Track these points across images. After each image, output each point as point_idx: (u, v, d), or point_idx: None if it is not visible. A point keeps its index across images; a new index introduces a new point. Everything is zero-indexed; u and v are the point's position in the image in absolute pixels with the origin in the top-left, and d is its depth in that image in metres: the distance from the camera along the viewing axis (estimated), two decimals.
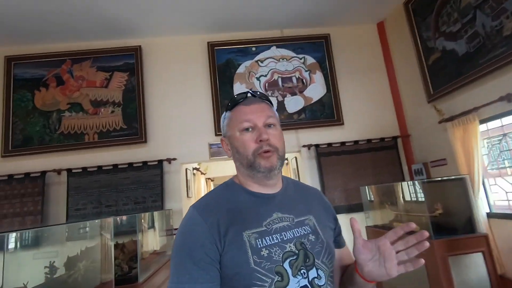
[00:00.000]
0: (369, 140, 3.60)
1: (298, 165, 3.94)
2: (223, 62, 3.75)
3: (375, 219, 2.96)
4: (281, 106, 3.68)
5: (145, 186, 3.32)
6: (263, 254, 0.67)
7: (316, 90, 3.76)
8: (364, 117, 3.76)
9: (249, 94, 0.80)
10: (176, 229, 3.33)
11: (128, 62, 3.65)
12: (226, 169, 6.25)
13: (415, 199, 2.39)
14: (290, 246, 0.70)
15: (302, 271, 0.68)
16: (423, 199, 2.19)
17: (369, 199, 3.13)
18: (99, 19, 3.30)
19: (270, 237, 0.70)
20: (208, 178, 6.58)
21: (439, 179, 2.23)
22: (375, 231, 2.78)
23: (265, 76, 3.77)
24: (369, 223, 3.01)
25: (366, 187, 3.30)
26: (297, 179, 0.97)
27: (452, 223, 2.06)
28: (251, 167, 0.74)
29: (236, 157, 0.78)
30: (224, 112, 0.83)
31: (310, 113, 3.70)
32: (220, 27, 3.75)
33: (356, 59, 3.91)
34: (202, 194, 5.39)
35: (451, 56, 2.84)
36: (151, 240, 2.98)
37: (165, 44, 3.78)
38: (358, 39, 3.98)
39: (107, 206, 3.24)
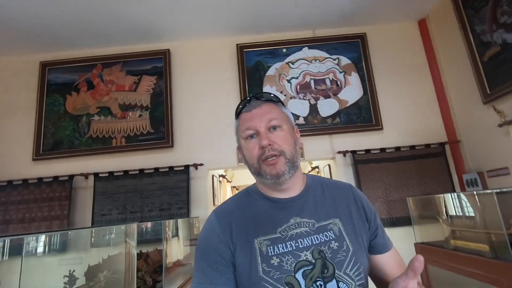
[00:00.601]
0: (412, 147, 3.25)
1: (332, 173, 3.64)
2: (253, 64, 3.60)
3: (426, 234, 2.60)
4: (314, 110, 3.45)
5: (170, 192, 3.19)
6: (273, 263, 0.64)
7: (352, 92, 3.50)
8: (406, 121, 3.42)
9: (252, 98, 0.77)
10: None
11: (156, 66, 3.60)
12: (251, 177, 6.09)
13: (477, 212, 2.04)
14: (306, 255, 0.65)
15: (318, 283, 0.62)
16: (490, 213, 1.84)
17: (417, 212, 2.77)
18: (129, 24, 3.28)
19: (283, 244, 0.66)
20: (234, 187, 6.42)
21: None
22: (426, 249, 2.42)
23: (297, 78, 3.57)
24: (417, 239, 2.64)
25: (412, 198, 2.94)
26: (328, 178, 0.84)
27: None
28: (259, 174, 0.72)
29: (246, 165, 0.77)
30: (235, 121, 0.81)
31: (346, 117, 3.43)
32: (249, 29, 3.62)
33: (395, 60, 3.61)
34: None
35: None
36: (175, 250, 2.81)
37: (194, 47, 3.70)
38: (397, 38, 3.68)
39: (132, 212, 3.13)
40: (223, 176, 4.44)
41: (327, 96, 3.50)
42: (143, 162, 3.33)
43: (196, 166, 3.26)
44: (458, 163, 3.23)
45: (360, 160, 3.24)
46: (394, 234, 3.03)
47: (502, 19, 2.58)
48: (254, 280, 0.63)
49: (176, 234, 2.90)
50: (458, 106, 3.29)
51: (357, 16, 3.55)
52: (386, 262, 0.75)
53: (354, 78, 3.54)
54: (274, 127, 0.73)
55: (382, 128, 3.37)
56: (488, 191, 1.96)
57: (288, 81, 3.56)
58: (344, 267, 0.65)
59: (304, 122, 3.41)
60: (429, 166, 3.20)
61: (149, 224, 2.90)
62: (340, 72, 3.57)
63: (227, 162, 3.35)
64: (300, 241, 0.67)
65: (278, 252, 0.66)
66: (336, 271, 0.64)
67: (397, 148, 3.25)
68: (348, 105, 3.46)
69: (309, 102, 3.48)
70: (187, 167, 3.25)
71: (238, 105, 0.79)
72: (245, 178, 6.08)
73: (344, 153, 3.28)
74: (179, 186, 3.20)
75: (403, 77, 3.55)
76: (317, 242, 0.67)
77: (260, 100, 0.77)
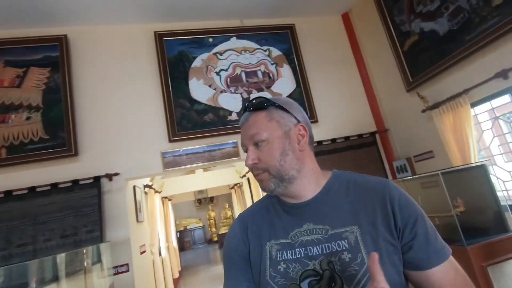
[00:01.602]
0: (347, 138, 3.23)
1: None
2: (175, 54, 3.14)
3: None
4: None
5: (76, 212, 2.51)
6: (280, 268, 0.63)
7: (285, 85, 3.33)
8: (339, 113, 3.39)
9: (245, 108, 0.74)
10: (122, 265, 2.56)
11: (49, 55, 2.86)
12: (186, 185, 5.52)
13: (418, 197, 1.99)
14: (314, 264, 0.61)
15: None
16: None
17: None
18: (9, 0, 2.51)
19: (292, 250, 0.64)
20: (165, 197, 5.75)
21: (455, 168, 1.87)
22: None
23: (226, 70, 3.24)
24: None
25: None
26: (359, 174, 0.77)
27: (477, 222, 1.69)
28: None
29: None
30: None
31: None
32: (169, 15, 3.16)
33: (324, 52, 3.59)
34: (157, 216, 4.59)
35: (431, 37, 2.60)
36: None
37: (101, 34, 3.07)
38: (323, 30, 3.67)
39: (19, 246, 2.36)
40: (149, 186, 3.83)
41: (260, 89, 3.26)
42: (35, 177, 2.56)
43: (109, 176, 2.65)
44: (388, 151, 3.32)
45: None
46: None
47: (418, 9, 2.69)
48: (262, 282, 0.64)
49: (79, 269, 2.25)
50: (384, 95, 3.39)
51: (284, 7, 3.41)
52: (432, 281, 0.60)
53: (286, 70, 3.38)
54: (258, 144, 0.69)
55: (317, 121, 3.27)
56: (432, 172, 1.91)
57: (217, 73, 3.21)
58: (355, 283, 0.57)
59: (237, 118, 3.10)
60: (363, 156, 3.22)
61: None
62: (272, 64, 3.37)
63: (151, 168, 2.82)
64: (310, 248, 0.63)
65: (286, 258, 0.64)
66: (345, 286, 0.58)
67: (333, 140, 3.19)
68: None
69: (242, 96, 3.19)
70: (97, 179, 2.61)
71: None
72: (178, 187, 5.50)
73: None
74: (88, 203, 2.55)
75: (332, 69, 3.54)
76: (327, 251, 0.62)
77: (248, 112, 0.73)
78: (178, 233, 11.25)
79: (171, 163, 2.85)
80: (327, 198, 0.69)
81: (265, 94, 3.24)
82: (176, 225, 11.58)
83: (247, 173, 4.70)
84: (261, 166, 0.68)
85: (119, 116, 2.88)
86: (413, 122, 2.98)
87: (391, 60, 3.10)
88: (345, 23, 3.74)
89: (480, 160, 2.28)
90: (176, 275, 5.52)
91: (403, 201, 0.65)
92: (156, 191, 4.34)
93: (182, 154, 2.90)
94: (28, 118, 2.69)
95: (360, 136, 3.27)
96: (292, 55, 3.43)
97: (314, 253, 0.62)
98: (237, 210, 7.03)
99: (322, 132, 3.26)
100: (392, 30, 3.01)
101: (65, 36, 2.91)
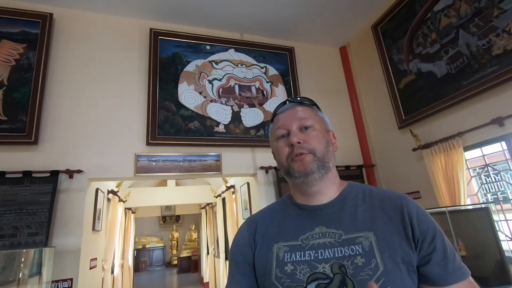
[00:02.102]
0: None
1: (251, 192, 3.19)
2: (169, 55, 2.97)
3: None
4: (236, 118, 3.00)
5: (21, 209, 2.12)
6: (286, 269, 0.62)
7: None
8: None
9: (287, 102, 0.77)
10: (65, 279, 2.15)
11: (27, 31, 2.58)
12: (155, 197, 5.08)
13: None
14: (323, 267, 0.60)
15: None
16: None
17: None
18: None
19: (302, 252, 0.63)
20: (129, 209, 5.26)
21: (458, 208, 1.77)
22: None
23: (220, 80, 3.09)
24: None
25: None
26: (371, 187, 0.77)
27: (478, 269, 1.55)
28: (288, 174, 0.69)
29: (279, 167, 0.73)
30: (270, 124, 0.79)
31: None
32: (169, 16, 3.03)
33: (319, 79, 3.57)
34: (117, 228, 4.10)
35: (428, 78, 2.63)
36: None
37: (92, 21, 2.85)
38: (321, 59, 3.69)
39: None
40: (115, 193, 3.44)
41: (251, 105, 3.12)
42: None
43: (70, 173, 2.31)
44: (373, 185, 3.23)
45: (283, 178, 2.88)
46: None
47: (418, 50, 2.75)
48: (267, 283, 0.63)
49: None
50: (373, 130, 3.37)
51: (286, 30, 3.41)
52: None
53: (280, 91, 3.30)
54: (306, 127, 0.69)
55: None
56: (437, 209, 1.79)
57: (210, 81, 3.05)
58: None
59: (224, 130, 2.91)
60: None
61: None
62: (267, 82, 3.28)
63: (121, 171, 2.51)
64: (321, 251, 0.62)
65: (294, 259, 0.63)
66: None
67: None
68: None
69: (232, 109, 3.03)
70: (55, 173, 2.26)
71: (274, 110, 0.78)
72: (146, 198, 5.06)
73: (267, 169, 2.89)
74: (38, 201, 2.17)
75: (326, 97, 3.51)
76: (340, 255, 0.61)
77: (294, 103, 0.76)
78: (135, 251, 10.36)
79: (144, 168, 2.56)
80: (343, 204, 0.68)
81: (257, 111, 3.11)
82: (135, 242, 10.71)
83: (223, 192, 4.41)
84: (307, 146, 0.67)
85: (93, 108, 2.59)
86: (401, 159, 2.94)
87: (385, 96, 3.12)
88: (342, 56, 3.80)
89: (480, 203, 2.22)
90: None
91: (421, 214, 0.65)
92: (120, 200, 3.93)
93: (158, 160, 2.62)
94: None
95: (347, 167, 3.17)
96: (288, 76, 3.38)
97: (325, 256, 0.61)
98: (204, 233, 6.58)
99: None
100: (389, 67, 3.05)
101: (51, 14, 2.67)
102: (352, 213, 0.66)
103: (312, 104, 0.77)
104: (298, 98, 0.76)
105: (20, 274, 2.03)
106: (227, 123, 2.95)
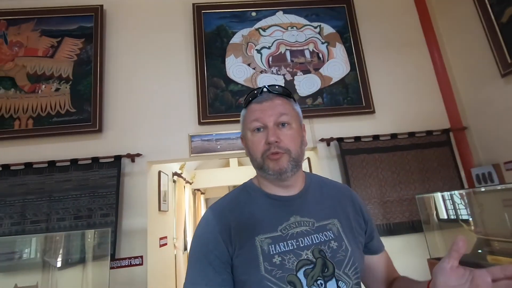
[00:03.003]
0: (411, 134, 2.60)
1: (312, 168, 2.91)
2: (213, 29, 2.81)
3: (442, 247, 1.91)
4: (290, 87, 2.71)
5: (93, 193, 2.28)
6: (275, 261, 0.64)
7: (337, 67, 2.81)
8: (402, 104, 2.78)
9: (264, 90, 0.75)
10: (136, 257, 2.27)
11: (84, 26, 2.71)
12: (219, 178, 5.21)
13: None
14: (306, 254, 0.65)
15: (319, 282, 0.63)
16: None
17: (435, 215, 2.09)
18: None
19: (284, 243, 0.66)
20: (197, 190, 5.52)
21: None
22: None
23: (269, 48, 2.82)
24: (433, 253, 1.95)
25: (425, 196, 2.26)
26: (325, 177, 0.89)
27: None
28: (261, 169, 0.71)
29: (249, 157, 0.75)
30: (242, 109, 0.78)
31: (330, 97, 2.72)
32: None
33: (387, 32, 2.99)
34: (185, 208, 4.33)
35: None
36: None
37: (136, 4, 2.86)
38: (388, 6, 3.07)
39: (33, 222, 2.19)
40: (179, 175, 3.57)
41: (306, 71, 2.78)
42: (56, 151, 2.40)
43: (131, 157, 2.39)
44: (465, 154, 2.62)
45: (349, 150, 2.53)
46: (392, 245, 2.33)
47: None
48: (256, 278, 0.62)
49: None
50: (463, 84, 2.69)
51: None
52: (380, 262, 0.79)
53: (339, 51, 2.86)
54: (283, 124, 0.70)
55: (374, 111, 2.70)
56: None
57: (258, 51, 2.80)
58: (343, 267, 0.66)
59: None
60: (432, 158, 2.56)
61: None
62: (323, 43, 2.87)
63: (176, 152, 2.51)
64: (301, 240, 0.67)
65: (280, 250, 0.65)
66: (336, 270, 0.65)
67: (393, 136, 2.59)
68: (332, 82, 2.76)
69: (284, 78, 2.74)
70: (118, 158, 2.37)
71: (248, 95, 0.76)
72: (211, 180, 5.23)
73: (328, 141, 2.56)
74: (106, 184, 2.31)
75: (396, 53, 2.93)
76: (317, 241, 0.67)
77: (272, 93, 0.74)
78: None
79: (199, 148, 2.52)
80: (308, 195, 0.74)
81: (313, 77, 2.76)
82: None
83: None
84: (283, 146, 0.69)
85: (146, 93, 2.62)
86: (507, 117, 2.27)
87: (479, 37, 2.42)
88: None
89: None
90: None
91: (362, 202, 0.81)
92: (187, 182, 4.08)
93: (212, 139, 2.54)
94: (57, 90, 2.55)
95: (429, 133, 2.62)
96: (347, 33, 2.90)
97: (305, 244, 0.66)
98: None
99: (379, 125, 2.68)
100: None
101: (101, 6, 2.75)
102: (318, 202, 0.73)
103: (290, 96, 0.76)
104: (276, 87, 0.75)
105: (85, 253, 2.10)
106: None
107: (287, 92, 0.76)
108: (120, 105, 2.57)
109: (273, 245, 0.65)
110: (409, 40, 2.97)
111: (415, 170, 2.51)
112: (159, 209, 2.80)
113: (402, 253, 2.32)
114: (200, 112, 2.57)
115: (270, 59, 2.79)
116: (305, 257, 0.64)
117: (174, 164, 3.65)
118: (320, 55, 2.84)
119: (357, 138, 2.56)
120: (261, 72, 2.74)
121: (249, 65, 2.75)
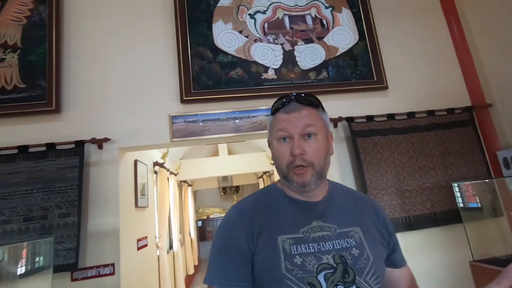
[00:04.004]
0: (430, 112, 2.25)
1: None
2: None
3: (484, 247, 1.58)
4: (289, 59, 2.30)
5: (49, 188, 1.82)
6: (296, 262, 0.64)
7: (344, 36, 2.40)
8: (418, 78, 2.42)
9: (292, 98, 0.74)
10: (106, 265, 1.84)
11: None
12: (207, 168, 4.78)
13: None
14: (327, 258, 0.66)
15: (339, 287, 0.63)
16: None
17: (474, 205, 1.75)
18: None
19: (306, 245, 0.67)
20: (184, 182, 5.08)
21: None
22: (492, 271, 1.38)
23: (264, 12, 2.38)
24: (476, 254, 1.61)
25: (465, 183, 1.92)
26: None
27: None
28: (285, 178, 0.72)
29: (274, 164, 0.76)
30: (269, 116, 0.78)
31: (336, 71, 2.32)
32: None
33: None
34: (169, 203, 3.88)
35: None
36: None
37: None
38: None
39: None
40: (160, 165, 3.12)
41: (308, 40, 2.37)
42: (1, 136, 1.92)
43: (98, 142, 1.94)
44: (489, 135, 2.29)
45: (360, 132, 2.15)
46: (413, 240, 2.00)
47: None
48: (277, 276, 0.63)
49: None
50: (488, 54, 2.34)
51: None
52: (401, 277, 0.78)
53: (345, 16, 2.45)
54: (309, 135, 0.71)
55: (387, 87, 2.32)
56: None
57: (251, 16, 2.36)
58: (364, 275, 0.65)
59: (275, 76, 2.25)
60: (454, 140, 2.22)
61: None
62: (326, 7, 2.45)
63: (155, 137, 2.07)
64: (322, 244, 0.67)
65: (301, 252, 0.65)
66: (357, 277, 0.64)
67: (410, 115, 2.23)
68: (338, 53, 2.36)
69: (283, 48, 2.32)
70: (80, 144, 1.90)
71: (276, 102, 0.76)
72: (198, 171, 4.79)
73: (336, 121, 2.17)
74: (65, 177, 1.85)
75: (410, 20, 2.55)
76: (338, 247, 0.67)
77: (300, 104, 0.73)
78: (200, 222, 10.77)
79: (182, 131, 2.08)
80: (331, 201, 0.75)
81: (316, 47, 2.35)
82: (198, 213, 11.13)
83: None
84: (307, 159, 0.69)
85: (117, 65, 2.15)
86: None
87: None
88: None
89: None
90: (192, 271, 4.87)
91: (386, 215, 0.81)
92: (171, 173, 3.64)
93: (197, 120, 2.11)
94: (1, 60, 2.04)
95: (450, 111, 2.27)
96: None
97: (327, 248, 0.66)
98: None
99: (393, 102, 2.31)
100: None
101: None
102: (341, 210, 0.74)
103: (318, 105, 0.75)
104: (304, 97, 0.74)
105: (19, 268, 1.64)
106: (277, 66, 2.27)
107: (315, 102, 0.75)
108: (84, 79, 2.09)
109: (294, 246, 0.66)
110: (424, 5, 2.60)
111: (436, 154, 2.17)
112: (136, 205, 2.37)
113: (425, 250, 1.99)
114: (182, 88, 2.12)
115: (266, 25, 2.35)
116: (326, 261, 0.65)
117: (155, 152, 3.19)
118: (324, 22, 2.42)
119: (370, 118, 2.18)
120: (255, 40, 2.31)
121: (240, 32, 2.31)
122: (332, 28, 2.41)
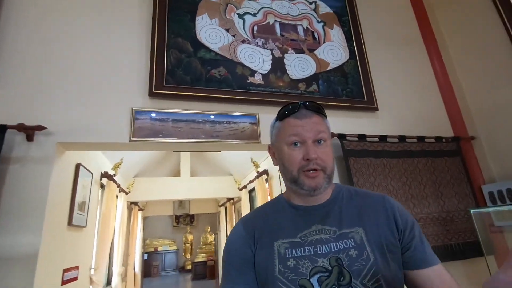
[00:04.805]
0: (420, 139, 2.14)
1: None
2: None
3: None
4: (279, 66, 2.08)
5: None
6: (289, 264, 0.66)
7: (335, 52, 2.28)
8: (407, 103, 2.35)
9: (301, 105, 0.75)
10: None
11: None
12: (162, 189, 4.20)
13: None
14: (323, 262, 0.66)
15: None
16: None
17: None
18: None
19: (301, 248, 0.68)
20: (135, 204, 4.41)
21: None
22: None
23: (254, 15, 2.18)
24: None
25: (481, 211, 1.72)
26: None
27: None
28: (295, 183, 0.72)
29: (281, 169, 0.76)
30: (273, 120, 0.80)
31: (326, 86, 2.15)
32: None
33: (388, 23, 2.62)
34: (114, 225, 3.20)
35: None
36: None
37: None
38: None
39: None
40: (110, 177, 2.56)
41: (299, 50, 2.19)
42: None
43: (27, 130, 1.44)
44: (473, 168, 2.23)
45: (353, 151, 1.93)
46: None
47: None
48: (270, 279, 0.66)
49: None
50: (471, 86, 2.36)
51: None
52: (426, 280, 0.68)
53: (337, 34, 2.35)
54: (320, 141, 0.71)
55: (377, 109, 2.19)
56: None
57: (240, 16, 2.14)
58: (362, 277, 0.63)
59: (262, 82, 1.99)
60: (443, 169, 2.11)
61: None
62: (318, 22, 2.34)
63: (109, 133, 1.62)
64: (319, 247, 0.67)
65: (296, 255, 0.67)
66: (353, 279, 0.63)
67: (402, 138, 2.09)
68: (329, 68, 2.21)
69: (272, 54, 2.11)
70: (1, 128, 1.39)
71: (284, 108, 0.76)
72: (154, 191, 4.19)
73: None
74: None
75: (397, 47, 2.55)
76: (335, 249, 0.67)
77: (309, 111, 0.74)
78: (146, 255, 9.59)
79: (146, 130, 1.67)
80: (334, 204, 0.74)
81: (307, 58, 2.18)
82: (145, 244, 9.95)
83: (251, 182, 3.48)
84: (320, 163, 0.70)
85: (69, 41, 1.73)
86: None
87: (495, 32, 2.13)
88: None
89: None
90: None
91: (400, 208, 0.75)
92: (122, 190, 3.06)
93: (167, 119, 1.73)
94: None
95: (438, 139, 2.19)
96: (346, 16, 2.43)
97: (323, 251, 0.66)
98: (223, 235, 5.67)
99: (384, 125, 2.18)
100: None
101: None
102: (343, 212, 0.73)
103: (324, 114, 0.76)
104: (307, 103, 0.75)
105: None
106: (266, 72, 2.03)
107: (322, 111, 0.76)
108: (23, 52, 1.63)
109: (289, 250, 0.67)
110: (407, 36, 2.63)
111: (428, 183, 2.01)
112: (70, 223, 1.81)
113: None
114: (153, 79, 1.75)
115: (255, 28, 2.14)
116: (321, 264, 0.65)
117: (105, 161, 2.65)
118: (316, 35, 2.29)
119: (362, 137, 1.99)
120: (243, 41, 2.07)
121: (227, 30, 2.06)
122: (324, 42, 2.29)
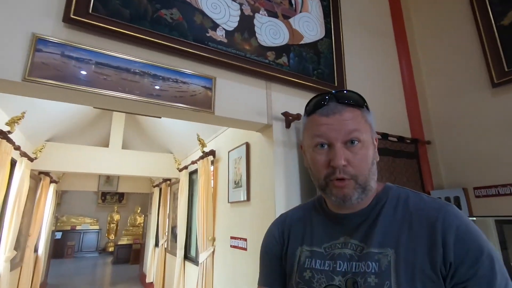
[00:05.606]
0: (384, 135, 2.00)
1: (251, 159, 1.94)
2: None
3: None
4: (247, 26, 1.72)
5: None
6: (305, 276, 0.62)
7: (310, 26, 2.00)
8: (375, 97, 2.20)
9: (331, 97, 0.62)
10: None
11: None
12: (83, 160, 3.51)
13: None
14: (339, 280, 0.57)
15: None
16: None
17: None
18: None
19: (322, 261, 0.61)
20: (44, 173, 3.63)
21: None
22: None
23: None
24: None
25: None
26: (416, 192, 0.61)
27: None
28: (323, 191, 0.62)
29: (310, 173, 0.66)
30: (303, 115, 0.69)
31: (298, 61, 1.86)
32: None
33: (367, 10, 2.45)
34: (9, 203, 2.46)
35: None
36: None
37: None
38: None
39: None
40: (3, 134, 1.89)
41: (272, 14, 1.85)
42: None
43: None
44: (425, 172, 2.20)
45: None
46: None
47: None
48: (289, 284, 0.65)
49: None
50: (434, 90, 2.32)
51: None
52: None
53: (315, 6, 2.07)
54: (353, 141, 0.59)
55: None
56: None
57: None
58: None
59: (225, 40, 1.61)
60: (401, 170, 2.01)
61: None
62: None
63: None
64: (339, 263, 0.59)
65: (313, 267, 0.62)
66: None
67: None
68: (302, 42, 1.92)
69: (241, 9, 1.73)
70: None
71: (310, 102, 0.64)
72: (71, 161, 3.47)
73: (290, 120, 1.66)
74: None
75: (372, 37, 2.39)
76: (356, 270, 0.57)
77: (341, 104, 0.61)
78: (60, 233, 8.44)
79: (52, 69, 1.16)
80: (371, 214, 0.62)
81: (280, 24, 1.85)
82: (60, 221, 8.76)
83: (194, 162, 3.07)
84: (349, 171, 0.58)
85: None
86: (491, 134, 1.93)
87: (466, 39, 2.08)
88: None
89: None
90: None
91: (462, 231, 0.53)
92: (23, 154, 2.36)
93: (88, 60, 1.24)
94: None
95: (400, 139, 2.09)
96: None
97: (342, 269, 0.58)
98: (154, 219, 5.14)
99: None
100: None
101: None
102: (379, 225, 0.59)
103: (363, 104, 0.62)
104: (347, 96, 0.62)
105: None
106: (231, 29, 1.65)
107: (360, 101, 0.62)
108: None
109: (309, 259, 0.63)
110: (382, 28, 2.50)
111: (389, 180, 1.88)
112: None
113: None
114: (73, 1, 1.23)
115: None
116: (337, 283, 0.57)
117: None
118: (293, 2, 1.97)
119: None
120: None
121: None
122: (300, 12, 1.98)
